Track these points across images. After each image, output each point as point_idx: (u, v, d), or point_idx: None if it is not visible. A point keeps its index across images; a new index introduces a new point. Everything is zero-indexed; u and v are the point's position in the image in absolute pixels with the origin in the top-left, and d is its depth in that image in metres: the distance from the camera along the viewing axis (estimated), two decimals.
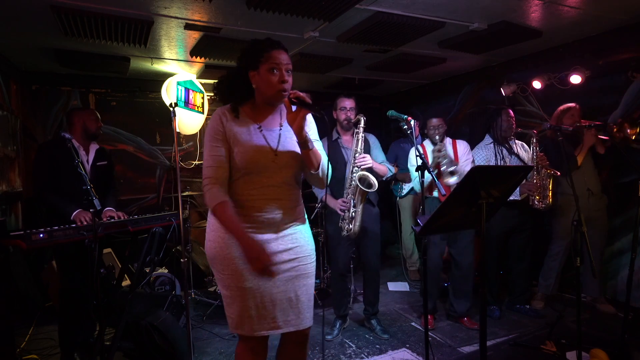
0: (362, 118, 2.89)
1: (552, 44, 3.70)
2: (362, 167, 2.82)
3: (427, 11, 2.85)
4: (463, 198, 1.69)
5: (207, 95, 4.58)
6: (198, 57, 3.74)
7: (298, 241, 1.73)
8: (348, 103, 3.01)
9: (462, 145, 3.25)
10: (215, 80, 1.76)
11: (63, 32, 2.95)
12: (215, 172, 1.63)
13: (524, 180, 3.21)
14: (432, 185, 3.10)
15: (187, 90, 4.29)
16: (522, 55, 4.00)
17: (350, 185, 2.86)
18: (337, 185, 2.97)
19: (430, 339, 2.32)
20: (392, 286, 4.33)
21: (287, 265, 1.69)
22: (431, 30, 3.17)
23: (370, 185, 2.79)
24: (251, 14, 2.75)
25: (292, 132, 1.71)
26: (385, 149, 3.33)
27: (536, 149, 3.20)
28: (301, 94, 1.58)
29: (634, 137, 3.06)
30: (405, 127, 2.46)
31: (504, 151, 3.24)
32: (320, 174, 1.72)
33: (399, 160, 4.41)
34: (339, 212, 2.90)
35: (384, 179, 2.99)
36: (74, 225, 2.36)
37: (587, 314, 3.31)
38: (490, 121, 3.30)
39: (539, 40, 3.48)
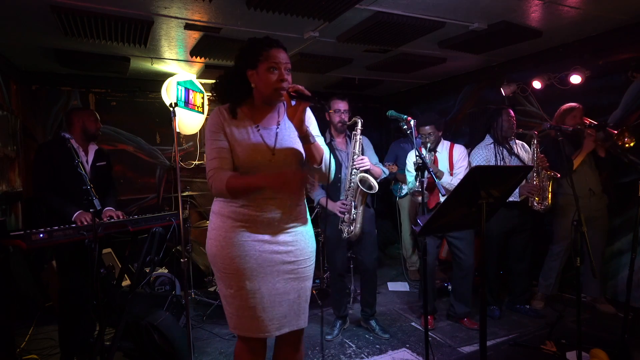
0: (359, 120, 2.89)
1: (552, 44, 3.70)
2: (360, 169, 2.82)
3: (427, 11, 2.85)
4: (463, 198, 1.69)
5: (207, 95, 4.58)
6: (198, 57, 3.74)
7: (298, 243, 1.72)
8: (342, 105, 2.99)
9: (458, 151, 3.20)
10: (215, 80, 1.74)
11: (63, 32, 2.95)
12: (219, 162, 1.61)
13: (524, 182, 3.21)
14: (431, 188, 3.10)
15: (187, 90, 4.29)
16: (522, 55, 4.00)
17: (350, 187, 2.86)
18: (332, 188, 2.97)
19: (430, 339, 2.32)
20: (392, 286, 4.33)
21: (287, 267, 1.69)
22: (431, 30, 3.16)
23: (370, 187, 2.80)
24: (251, 14, 2.75)
25: (290, 129, 1.70)
26: (385, 149, 3.33)
27: (537, 150, 3.19)
28: (300, 87, 1.56)
29: (628, 146, 3.07)
30: (405, 127, 2.45)
31: (504, 152, 3.23)
32: (324, 168, 1.71)
33: (398, 161, 4.41)
34: (339, 214, 2.90)
35: (377, 180, 3.00)
36: (74, 225, 2.36)
37: (587, 314, 3.30)
38: (491, 121, 3.29)
39: (539, 40, 3.48)
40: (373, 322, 3.17)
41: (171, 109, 2.62)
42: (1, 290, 2.54)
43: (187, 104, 4.28)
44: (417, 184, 2.43)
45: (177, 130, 3.43)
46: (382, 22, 2.90)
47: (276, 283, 1.66)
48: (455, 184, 1.92)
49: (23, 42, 3.27)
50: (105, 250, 3.85)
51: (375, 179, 2.94)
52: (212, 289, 4.01)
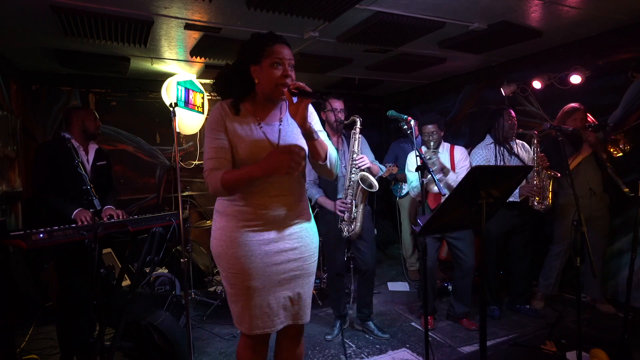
0: (358, 119, 2.89)
1: (552, 44, 3.70)
2: (361, 167, 2.82)
3: (427, 11, 2.85)
4: (463, 198, 1.69)
5: (207, 95, 4.58)
6: (198, 57, 3.74)
7: (303, 240, 1.72)
8: (338, 104, 3.00)
9: (459, 151, 3.21)
10: (216, 76, 1.72)
11: (63, 32, 2.95)
12: (217, 163, 1.58)
13: (524, 182, 3.21)
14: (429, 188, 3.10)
15: (187, 90, 4.29)
16: (522, 55, 4.00)
17: (350, 185, 2.86)
18: (328, 187, 2.97)
19: (430, 339, 2.32)
20: (392, 286, 4.33)
21: (292, 264, 1.69)
22: (431, 30, 3.17)
23: (371, 186, 2.80)
24: (251, 14, 2.75)
25: (292, 126, 1.70)
26: (385, 149, 3.33)
27: (537, 149, 3.19)
28: (301, 84, 1.54)
29: (616, 154, 3.08)
30: (405, 127, 2.45)
31: (504, 152, 3.23)
32: (329, 164, 1.70)
33: (399, 160, 4.41)
34: (338, 213, 2.90)
35: (375, 177, 3.00)
36: (74, 225, 2.36)
37: (587, 314, 3.30)
38: (492, 121, 3.29)
39: (539, 40, 3.48)
40: (371, 324, 3.15)
41: (171, 109, 2.62)
42: (1, 290, 2.53)
43: (187, 104, 4.28)
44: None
45: (177, 130, 3.43)
46: (382, 22, 2.90)
47: (281, 280, 1.66)
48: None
49: (23, 42, 3.28)
50: (105, 250, 3.84)
51: (374, 176, 2.95)
52: (212, 289, 4.01)
